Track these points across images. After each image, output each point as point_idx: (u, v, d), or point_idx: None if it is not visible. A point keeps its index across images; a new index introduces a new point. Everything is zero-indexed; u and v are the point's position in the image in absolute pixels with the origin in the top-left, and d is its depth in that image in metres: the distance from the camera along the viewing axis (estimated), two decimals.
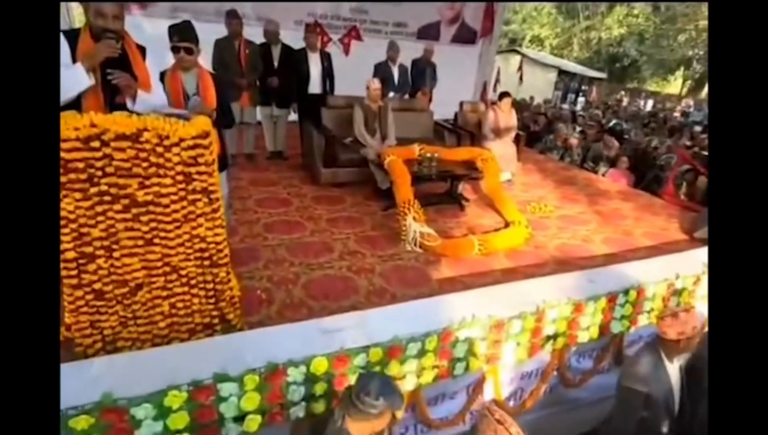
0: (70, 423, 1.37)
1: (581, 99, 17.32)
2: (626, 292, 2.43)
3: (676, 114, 14.22)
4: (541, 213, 4.09)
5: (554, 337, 2.28)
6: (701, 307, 2.77)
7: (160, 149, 1.66)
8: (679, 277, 2.64)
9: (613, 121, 9.47)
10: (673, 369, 1.92)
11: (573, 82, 18.38)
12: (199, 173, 1.76)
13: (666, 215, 4.33)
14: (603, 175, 5.76)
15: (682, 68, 20.84)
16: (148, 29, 5.43)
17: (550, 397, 2.56)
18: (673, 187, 4.88)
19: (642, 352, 1.99)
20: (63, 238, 1.63)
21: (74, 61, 1.93)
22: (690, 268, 2.77)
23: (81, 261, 1.70)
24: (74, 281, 1.72)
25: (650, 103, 17.40)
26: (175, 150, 1.69)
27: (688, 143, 7.79)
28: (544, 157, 6.49)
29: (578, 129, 7.64)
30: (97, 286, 1.76)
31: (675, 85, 21.85)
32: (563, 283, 2.44)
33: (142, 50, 2.14)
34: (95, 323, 1.82)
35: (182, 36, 2.28)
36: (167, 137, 1.66)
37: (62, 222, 1.61)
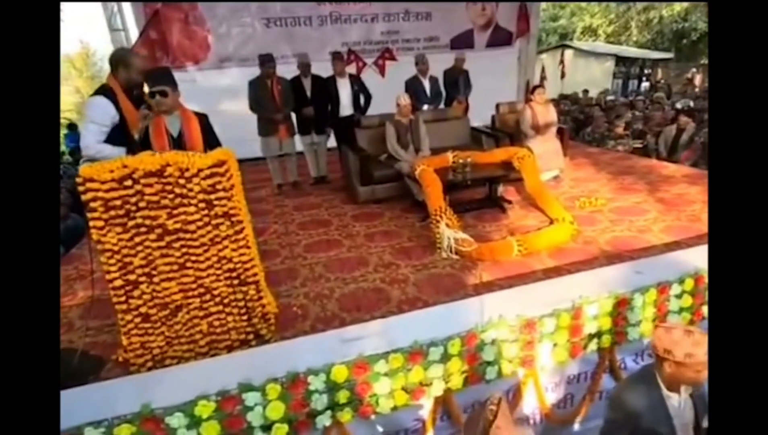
0: (115, 431, 1.53)
1: (645, 84, 16.05)
2: (681, 281, 2.19)
3: None
4: (592, 207, 3.83)
5: (598, 335, 2.11)
6: None
7: (182, 181, 1.85)
8: None
9: (681, 101, 8.65)
10: (678, 401, 1.41)
11: (634, 68, 17.13)
12: (219, 199, 1.92)
13: None
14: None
15: None
16: (200, 80, 6.05)
17: None
18: None
19: (634, 377, 1.53)
20: (110, 268, 1.86)
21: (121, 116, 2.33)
22: None
23: (127, 288, 1.92)
24: (123, 306, 1.94)
25: None
26: (195, 180, 1.86)
27: None
28: (599, 149, 6.09)
29: (636, 115, 7.08)
30: (143, 309, 1.96)
31: None
32: (605, 276, 2.27)
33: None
34: (145, 344, 2.01)
35: (154, 81, 2.32)
36: (187, 169, 1.84)
37: (107, 254, 1.84)
